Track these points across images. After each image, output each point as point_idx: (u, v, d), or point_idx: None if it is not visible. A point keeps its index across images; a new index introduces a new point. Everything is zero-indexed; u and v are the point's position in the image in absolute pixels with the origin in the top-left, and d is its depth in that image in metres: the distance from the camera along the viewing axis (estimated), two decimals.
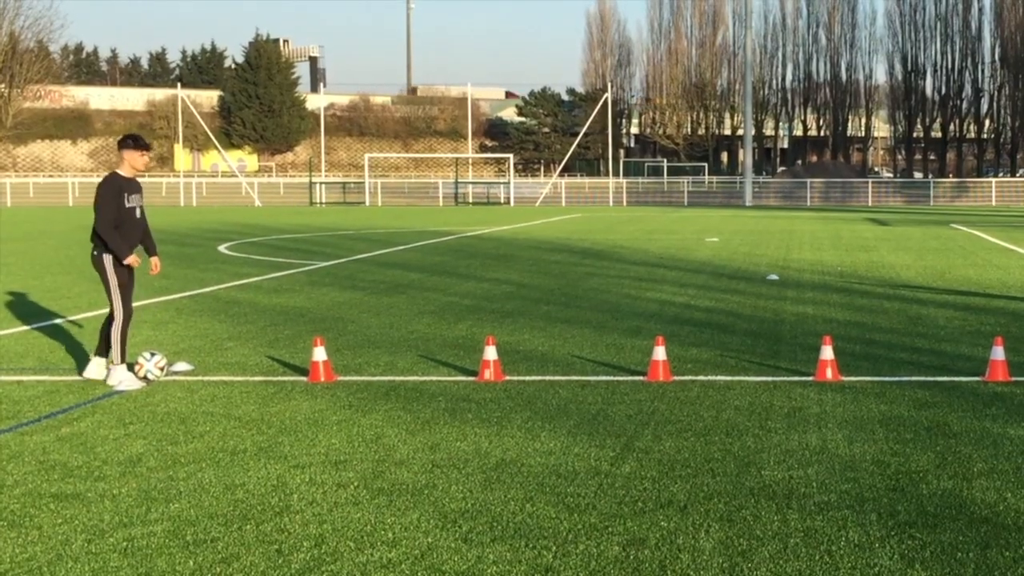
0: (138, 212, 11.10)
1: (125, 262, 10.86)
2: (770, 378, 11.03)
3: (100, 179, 11.18)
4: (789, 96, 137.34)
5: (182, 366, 11.64)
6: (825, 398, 10.06)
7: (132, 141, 11.09)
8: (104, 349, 11.10)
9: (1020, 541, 6.26)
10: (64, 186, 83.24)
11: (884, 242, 32.00)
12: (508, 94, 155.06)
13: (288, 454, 8.17)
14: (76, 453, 8.22)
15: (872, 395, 10.19)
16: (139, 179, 11.29)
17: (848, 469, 7.69)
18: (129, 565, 5.91)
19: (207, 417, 9.40)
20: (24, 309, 16.54)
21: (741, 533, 6.37)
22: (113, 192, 10.85)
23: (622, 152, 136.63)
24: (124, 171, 11.05)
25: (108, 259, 10.89)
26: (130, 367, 10.96)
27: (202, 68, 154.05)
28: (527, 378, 11.06)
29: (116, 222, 10.85)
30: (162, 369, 11.03)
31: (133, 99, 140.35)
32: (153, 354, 11.07)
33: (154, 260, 11.52)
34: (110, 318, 10.98)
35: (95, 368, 11.10)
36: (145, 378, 10.87)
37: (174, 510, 6.83)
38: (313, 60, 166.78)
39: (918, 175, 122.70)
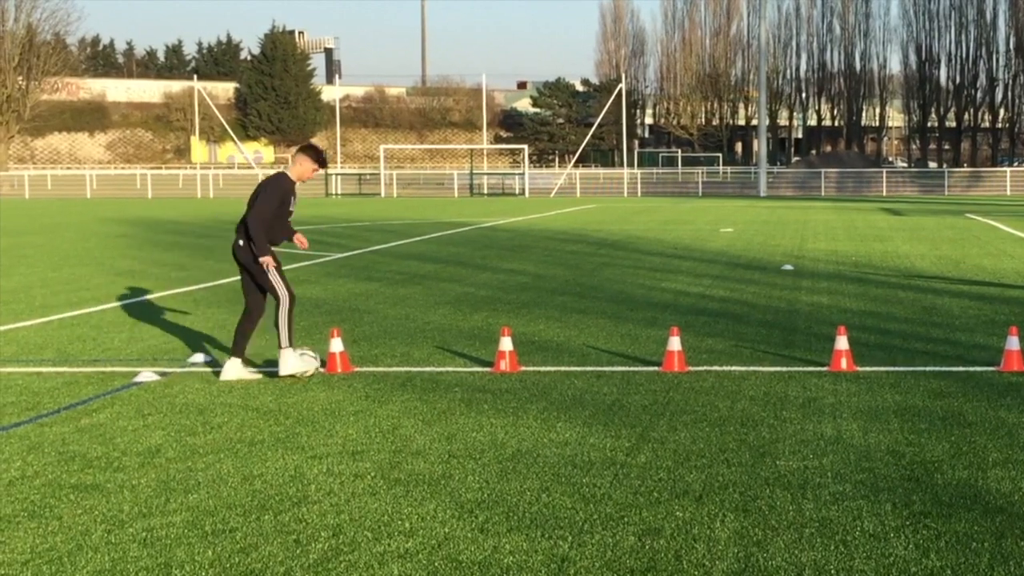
0: (290, 216, 11.17)
1: (260, 260, 10.80)
2: (785, 368, 11.04)
3: (271, 174, 11.19)
4: (803, 86, 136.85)
5: (199, 357, 11.69)
6: (840, 388, 10.07)
7: (315, 152, 11.05)
8: (241, 349, 10.91)
9: None
10: (82, 178, 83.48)
11: (899, 232, 31.93)
12: (520, 84, 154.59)
13: (305, 445, 8.21)
14: (95, 444, 8.28)
15: (887, 385, 10.20)
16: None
17: (863, 459, 7.71)
18: (148, 555, 5.96)
19: (225, 408, 9.45)
20: (43, 301, 16.62)
21: (756, 523, 6.40)
22: (280, 194, 10.88)
23: (636, 143, 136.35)
24: (293, 174, 11.03)
25: (251, 255, 10.92)
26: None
27: (218, 60, 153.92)
28: (543, 369, 11.09)
29: (270, 223, 10.88)
30: (315, 357, 11.06)
31: (150, 91, 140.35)
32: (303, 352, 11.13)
33: (299, 237, 11.46)
34: (276, 305, 10.88)
35: (230, 370, 10.80)
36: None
37: (193, 500, 6.88)
38: (328, 52, 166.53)
39: (932, 165, 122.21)
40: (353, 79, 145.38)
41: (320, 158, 11.05)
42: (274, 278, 10.88)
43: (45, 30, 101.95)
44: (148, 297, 16.98)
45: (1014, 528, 6.30)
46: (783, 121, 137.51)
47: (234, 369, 10.74)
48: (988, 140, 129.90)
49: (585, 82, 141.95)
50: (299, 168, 10.98)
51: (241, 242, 10.96)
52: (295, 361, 10.67)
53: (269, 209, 10.80)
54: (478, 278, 19.42)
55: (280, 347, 10.74)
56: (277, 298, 10.87)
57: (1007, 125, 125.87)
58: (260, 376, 10.81)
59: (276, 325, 10.81)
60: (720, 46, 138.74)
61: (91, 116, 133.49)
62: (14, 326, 14.22)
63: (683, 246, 26.77)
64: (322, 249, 25.53)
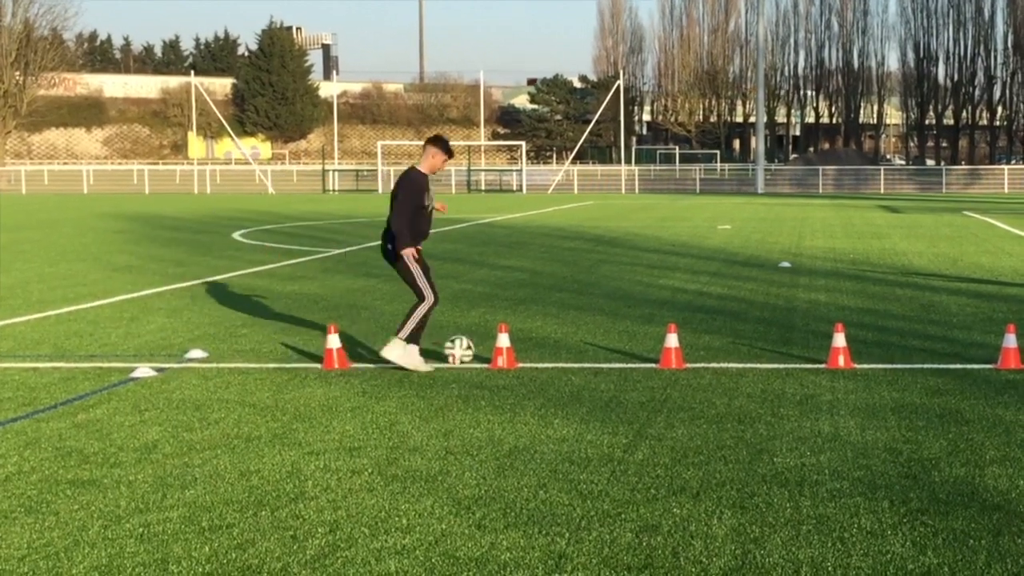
0: (430, 209, 11.21)
1: (402, 251, 10.90)
2: (782, 365, 11.04)
3: (403, 171, 11.28)
4: (801, 83, 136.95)
5: (196, 353, 11.69)
6: (837, 385, 10.07)
7: (442, 144, 11.14)
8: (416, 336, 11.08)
9: None
10: (79, 173, 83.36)
11: (896, 229, 31.94)
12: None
13: (303, 441, 8.21)
14: (92, 440, 8.27)
15: (884, 382, 10.20)
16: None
17: (860, 456, 7.71)
18: (145, 551, 5.95)
19: (222, 404, 9.45)
20: (40, 296, 16.61)
21: (754, 520, 6.40)
22: (417, 190, 10.96)
23: (634, 139, 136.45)
24: (423, 167, 11.10)
25: (410, 259, 11.02)
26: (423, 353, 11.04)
27: (215, 56, 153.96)
28: (540, 365, 11.09)
29: (412, 219, 10.96)
30: (470, 348, 11.16)
31: (147, 87, 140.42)
32: (455, 339, 11.23)
33: (439, 204, 11.50)
34: (417, 302, 11.04)
35: (406, 356, 10.99)
36: (446, 360, 11.02)
37: (190, 496, 6.87)
38: (326, 48, 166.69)
39: (930, 162, 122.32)
40: (351, 75, 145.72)
41: (448, 148, 11.17)
42: (420, 281, 11.06)
43: (42, 25, 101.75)
44: (145, 293, 16.97)
45: (1011, 525, 6.30)
46: (781, 118, 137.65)
47: (405, 353, 10.90)
48: (986, 138, 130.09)
49: (583, 79, 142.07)
50: (430, 160, 11.10)
51: (389, 246, 11.14)
52: (401, 352, 10.83)
53: (409, 207, 10.93)
54: (475, 274, 19.41)
55: (397, 332, 10.93)
56: (421, 297, 11.04)
57: (1005, 123, 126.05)
58: (431, 369, 10.90)
59: (409, 314, 10.98)
60: (718, 43, 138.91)
61: (88, 111, 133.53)
62: (11, 321, 14.21)
63: (681, 243, 26.77)
64: (320, 245, 25.52)
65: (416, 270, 11.03)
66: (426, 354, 11.10)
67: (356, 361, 11.30)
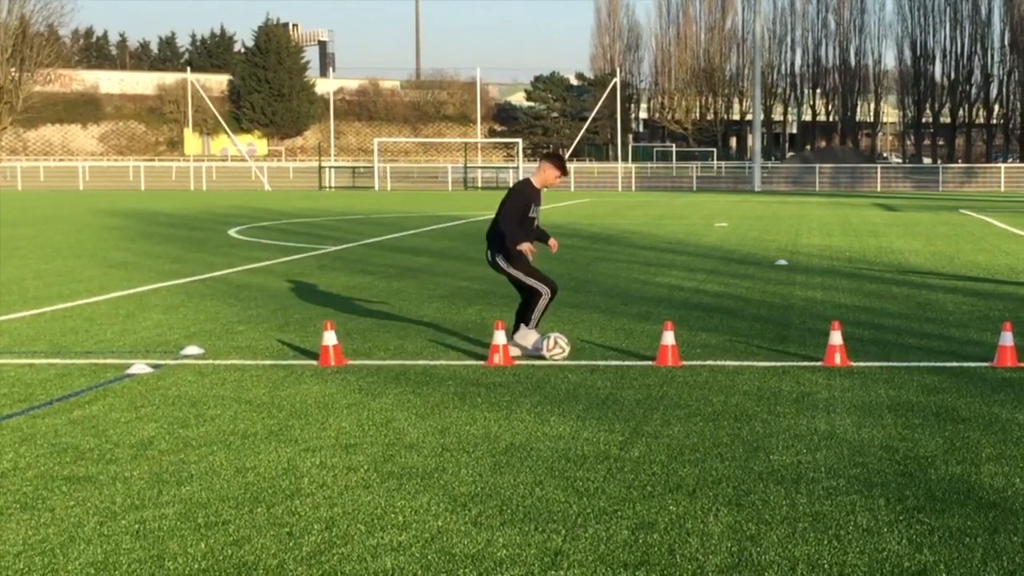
0: (536, 223, 11.42)
1: (519, 247, 11.03)
2: (779, 363, 11.05)
3: (518, 180, 11.50)
4: (798, 81, 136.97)
5: (192, 349, 11.68)
6: (834, 383, 10.08)
7: (558, 161, 11.39)
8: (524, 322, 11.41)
9: None
10: (74, 170, 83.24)
11: (893, 227, 31.96)
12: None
13: (299, 438, 8.20)
14: (88, 436, 8.26)
15: (881, 380, 10.20)
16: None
17: (857, 454, 7.71)
18: (141, 547, 5.95)
19: (218, 400, 9.44)
20: (35, 292, 16.59)
21: (750, 517, 6.40)
22: (524, 201, 11.16)
23: (631, 137, 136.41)
24: (536, 181, 11.32)
25: (504, 260, 11.24)
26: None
27: (212, 52, 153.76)
28: (536, 363, 11.08)
29: (519, 228, 11.10)
30: (560, 348, 11.17)
31: (143, 83, 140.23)
32: (547, 338, 11.26)
33: (552, 241, 11.78)
34: (533, 300, 11.28)
35: (530, 337, 11.35)
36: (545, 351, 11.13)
37: (185, 493, 6.87)
38: (322, 44, 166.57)
39: (927, 160, 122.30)
40: (347, 72, 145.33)
41: (563, 166, 11.41)
42: (529, 279, 11.27)
43: (38, 21, 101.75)
44: (141, 289, 16.95)
45: (1007, 523, 6.31)
46: (778, 116, 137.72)
47: (531, 336, 11.18)
48: (982, 136, 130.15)
49: (580, 76, 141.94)
50: (543, 175, 11.34)
51: (490, 255, 11.35)
52: (531, 337, 11.12)
53: (516, 213, 11.10)
54: (472, 272, 19.40)
55: (526, 323, 11.18)
56: (538, 294, 11.24)
57: (1001, 121, 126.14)
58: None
59: (531, 308, 11.28)
60: (715, 41, 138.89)
61: (84, 108, 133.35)
62: (6, 317, 14.19)
63: (677, 241, 26.78)
64: (316, 242, 25.50)
65: (522, 272, 11.24)
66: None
67: (352, 358, 11.29)
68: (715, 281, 18.03)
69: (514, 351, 11.15)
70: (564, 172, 11.38)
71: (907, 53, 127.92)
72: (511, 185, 11.45)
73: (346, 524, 6.30)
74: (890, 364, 11.01)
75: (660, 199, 55.83)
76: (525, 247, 11.06)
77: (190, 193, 63.64)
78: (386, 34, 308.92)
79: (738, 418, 8.79)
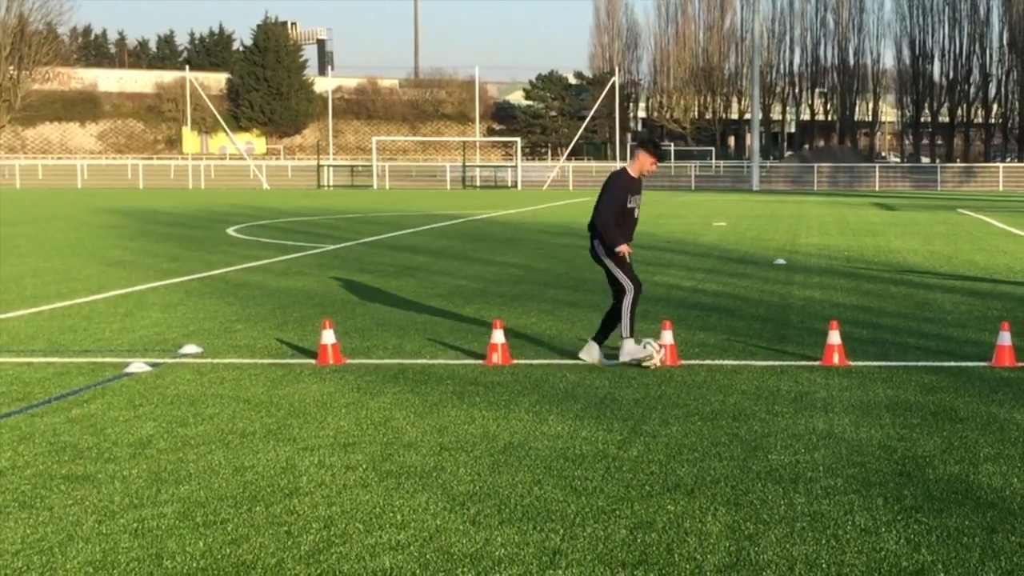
0: (636, 212, 11.28)
1: (616, 250, 10.98)
2: (777, 363, 11.05)
3: (613, 171, 11.37)
4: (797, 80, 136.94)
5: (191, 348, 11.68)
6: (832, 383, 10.08)
7: (652, 147, 11.24)
8: (602, 335, 11.21)
9: None
10: (73, 168, 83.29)
11: (891, 227, 31.97)
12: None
13: (297, 436, 8.20)
14: (86, 435, 8.26)
15: (879, 380, 10.21)
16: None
17: (855, 453, 7.72)
18: (139, 546, 5.95)
19: (216, 399, 9.44)
20: (34, 291, 16.59)
21: (748, 517, 6.40)
22: (620, 192, 11.04)
23: (629, 136, 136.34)
24: (632, 171, 11.18)
25: (603, 249, 11.10)
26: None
27: (210, 51, 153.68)
28: (535, 362, 11.09)
29: (616, 220, 11.02)
30: (647, 346, 11.03)
31: (141, 81, 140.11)
32: (647, 342, 11.12)
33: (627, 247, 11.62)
34: (619, 296, 11.12)
35: (588, 351, 11.15)
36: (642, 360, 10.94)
37: (184, 492, 6.87)
38: (321, 43, 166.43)
39: (925, 160, 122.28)
40: (345, 71, 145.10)
41: (658, 152, 11.27)
42: (618, 272, 11.12)
43: (37, 19, 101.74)
44: (139, 288, 16.95)
45: (1005, 523, 6.31)
46: (776, 115, 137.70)
47: (627, 346, 10.97)
48: (981, 136, 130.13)
49: (578, 75, 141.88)
50: (639, 163, 11.18)
51: (595, 242, 11.20)
52: (634, 348, 10.88)
53: (611, 209, 11.01)
54: (470, 271, 19.41)
55: (622, 336, 10.97)
56: (622, 289, 11.10)
57: (1000, 121, 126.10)
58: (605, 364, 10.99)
59: (618, 313, 11.09)
60: (713, 40, 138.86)
61: (82, 106, 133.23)
62: (5, 316, 14.18)
63: (676, 240, 26.78)
64: (314, 241, 25.50)
65: (614, 266, 11.15)
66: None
67: (350, 357, 11.29)
68: (713, 280, 18.03)
69: (624, 357, 10.92)
70: (660, 158, 11.29)
71: (906, 52, 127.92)
72: (608, 177, 11.28)
73: (344, 523, 6.30)
74: (888, 364, 11.02)
75: (658, 198, 55.84)
76: (623, 249, 10.99)
77: (188, 191, 63.63)
78: (385, 33, 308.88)
79: (736, 417, 8.79)
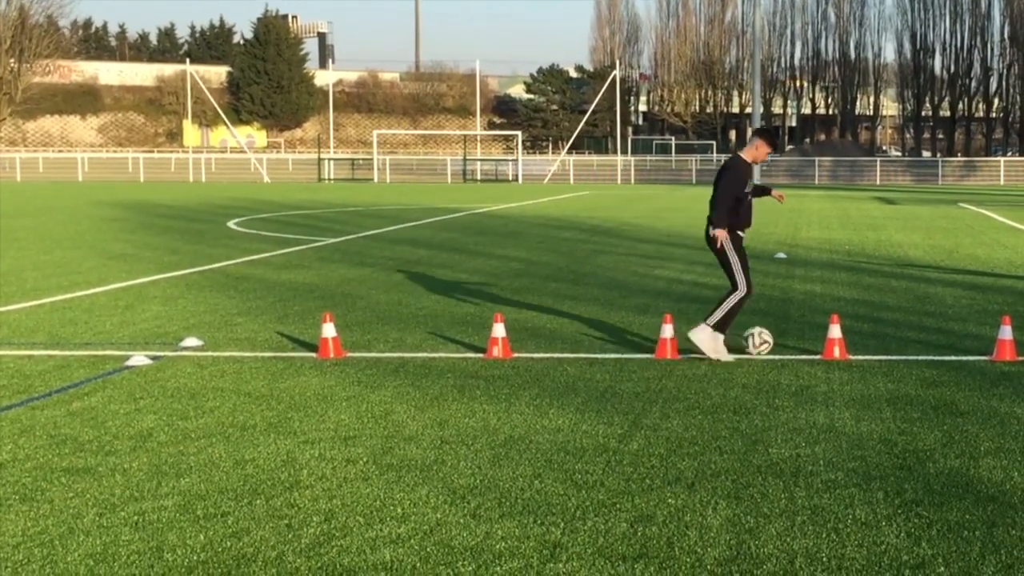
0: (749, 198, 11.34)
1: (713, 233, 11.01)
2: (778, 356, 11.05)
3: (729, 157, 11.48)
4: (798, 74, 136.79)
5: (191, 341, 11.68)
6: (833, 376, 10.08)
7: (770, 136, 11.39)
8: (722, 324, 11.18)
9: None
10: (73, 161, 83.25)
11: (892, 221, 31.96)
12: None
13: (298, 430, 8.20)
14: (87, 428, 8.26)
15: (880, 374, 10.21)
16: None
17: (855, 447, 7.72)
18: (140, 539, 5.95)
19: (217, 392, 9.44)
20: (34, 284, 16.59)
21: (748, 510, 6.40)
22: (739, 179, 11.12)
23: (630, 130, 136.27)
24: (748, 156, 11.25)
25: (726, 240, 11.07)
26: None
27: (211, 44, 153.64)
28: (535, 355, 11.09)
29: (734, 205, 11.09)
30: (766, 342, 11.08)
31: (142, 74, 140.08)
32: (751, 335, 11.15)
33: (777, 192, 12.00)
34: (731, 291, 11.11)
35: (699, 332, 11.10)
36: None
37: (184, 485, 6.87)
38: (322, 36, 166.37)
39: (926, 154, 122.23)
40: (346, 64, 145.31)
41: (773, 141, 11.43)
42: (735, 269, 11.10)
43: (37, 12, 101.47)
44: (140, 281, 16.95)
45: (1005, 517, 6.31)
46: (777, 109, 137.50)
47: (712, 340, 10.94)
48: (982, 130, 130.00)
49: (579, 68, 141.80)
50: (756, 151, 11.24)
51: (711, 232, 11.17)
52: (709, 340, 10.88)
53: (731, 194, 11.06)
54: (471, 264, 19.41)
55: (706, 319, 11.00)
56: (735, 286, 11.09)
57: (1001, 115, 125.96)
58: (732, 359, 10.90)
59: (720, 303, 11.07)
60: (714, 33, 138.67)
61: (83, 99, 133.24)
62: (5, 309, 14.19)
63: (676, 233, 26.77)
64: (315, 234, 25.50)
65: (733, 258, 11.10)
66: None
67: (351, 350, 11.29)
68: (714, 274, 17.99)
69: (693, 336, 10.92)
70: (775, 147, 11.40)
71: (907, 46, 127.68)
72: (724, 164, 11.34)
73: (345, 516, 6.30)
74: (889, 358, 11.02)
75: (659, 192, 55.83)
76: (721, 234, 10.97)
77: (189, 185, 63.61)
78: (385, 26, 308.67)
79: (737, 411, 8.79)
